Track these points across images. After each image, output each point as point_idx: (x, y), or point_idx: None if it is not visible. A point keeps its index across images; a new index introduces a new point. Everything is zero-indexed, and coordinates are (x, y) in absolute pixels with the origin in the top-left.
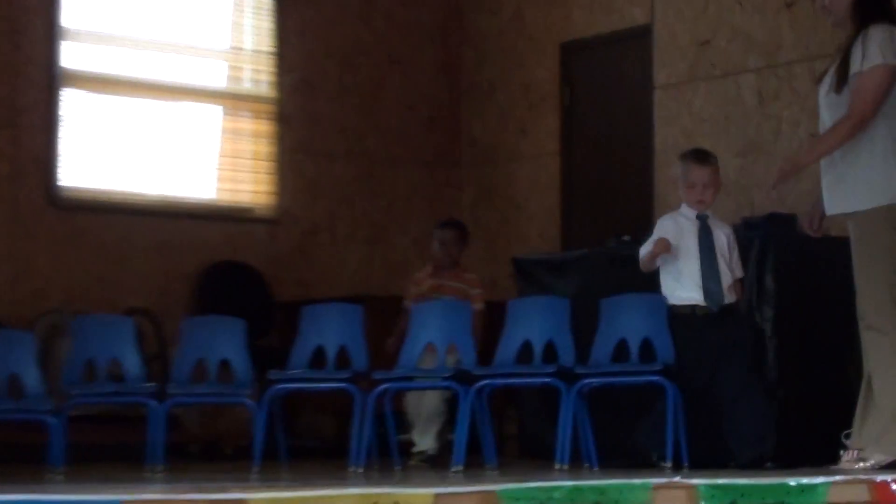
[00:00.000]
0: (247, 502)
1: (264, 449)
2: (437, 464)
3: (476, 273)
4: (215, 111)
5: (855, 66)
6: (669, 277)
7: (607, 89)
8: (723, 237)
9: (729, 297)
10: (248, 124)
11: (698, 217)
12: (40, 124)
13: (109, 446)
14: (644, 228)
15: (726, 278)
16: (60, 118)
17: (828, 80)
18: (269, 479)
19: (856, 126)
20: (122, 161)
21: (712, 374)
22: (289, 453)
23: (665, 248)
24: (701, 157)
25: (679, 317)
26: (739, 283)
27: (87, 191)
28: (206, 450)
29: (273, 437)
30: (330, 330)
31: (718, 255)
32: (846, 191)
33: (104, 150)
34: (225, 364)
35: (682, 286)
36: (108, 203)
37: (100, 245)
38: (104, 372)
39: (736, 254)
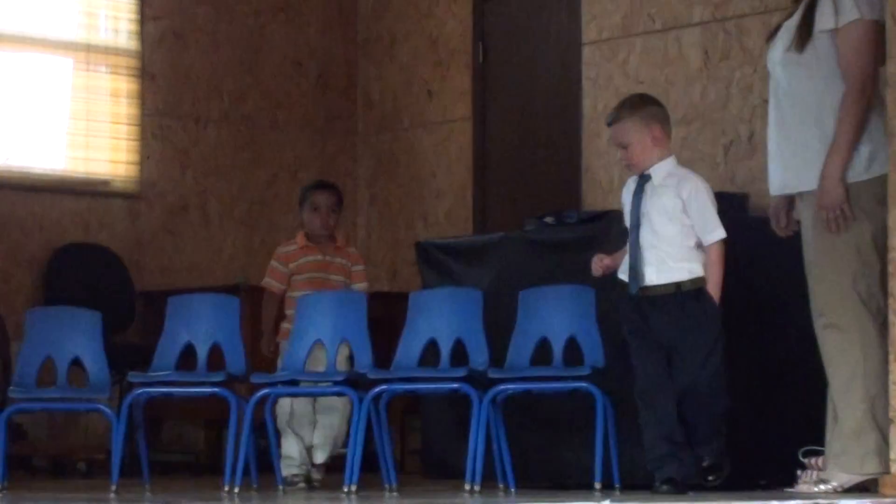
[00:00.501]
0: None
1: (123, 464)
2: (312, 482)
3: (361, 254)
4: (65, 64)
5: (825, 22)
6: None
7: (527, 45)
8: (673, 198)
9: (684, 271)
10: (104, 81)
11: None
12: None
13: None
14: (569, 207)
15: (675, 247)
16: None
17: (785, 36)
18: (130, 499)
19: (861, 94)
20: None
21: (658, 369)
22: (152, 469)
23: (601, 269)
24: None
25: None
26: (718, 249)
27: None
28: (55, 464)
29: (134, 449)
30: (201, 325)
31: (657, 222)
32: (799, 167)
33: None
34: (77, 364)
35: (623, 263)
36: None
37: None
38: None
39: (705, 213)
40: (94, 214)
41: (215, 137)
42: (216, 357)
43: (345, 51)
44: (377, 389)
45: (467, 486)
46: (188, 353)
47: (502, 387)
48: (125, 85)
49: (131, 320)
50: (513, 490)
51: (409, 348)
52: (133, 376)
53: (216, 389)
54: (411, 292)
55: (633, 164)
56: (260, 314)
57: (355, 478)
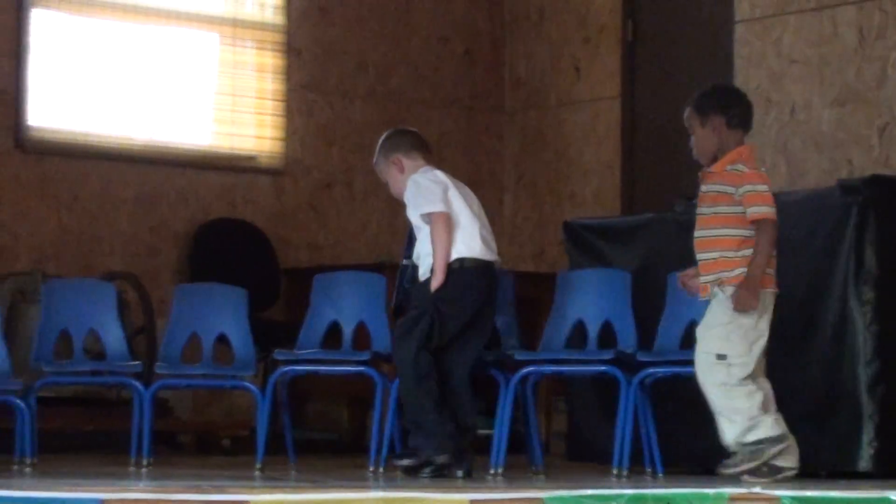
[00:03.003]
0: None
1: (268, 441)
2: None
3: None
4: (212, 40)
5: None
6: None
7: (678, 22)
8: None
9: None
10: (250, 56)
11: None
12: (5, 52)
13: (86, 434)
14: None
15: None
16: (29, 45)
17: None
18: (274, 477)
19: None
20: (102, 98)
21: None
22: (296, 447)
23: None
24: None
25: None
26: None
27: (61, 132)
28: (200, 441)
29: (278, 427)
30: (347, 303)
31: None
32: None
33: (80, 85)
34: (222, 340)
35: None
36: (85, 147)
37: (74, 197)
38: (80, 347)
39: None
40: (239, 190)
41: (361, 113)
42: (361, 336)
43: (491, 26)
44: (524, 371)
45: (614, 470)
46: (333, 332)
47: (651, 370)
48: (271, 60)
49: (276, 297)
50: (660, 474)
51: (556, 329)
52: (278, 354)
53: (361, 368)
54: (559, 272)
55: (397, 195)
56: None
57: (501, 460)
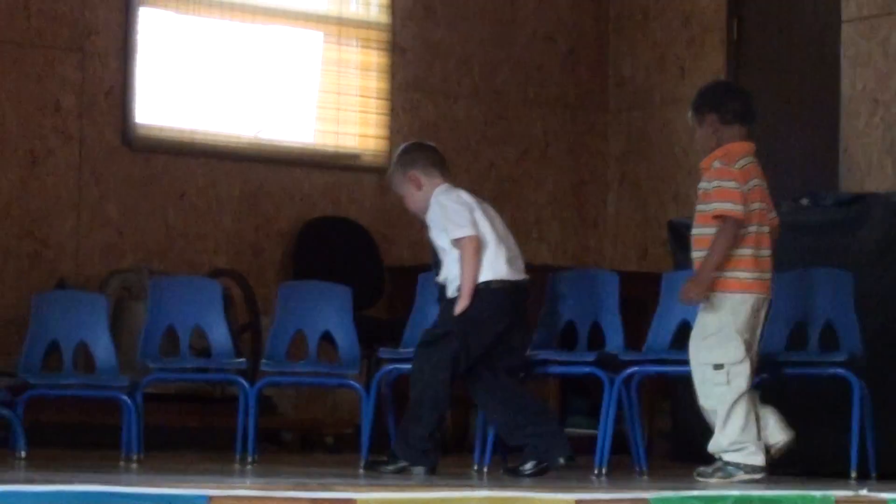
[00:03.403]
0: (355, 503)
1: (371, 439)
2: None
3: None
4: (316, 38)
5: None
6: None
7: (784, 22)
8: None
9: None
10: (355, 55)
11: None
12: (113, 50)
13: (190, 430)
14: (826, 189)
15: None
16: (136, 43)
17: None
18: (379, 476)
19: None
20: (208, 96)
21: None
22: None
23: None
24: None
25: None
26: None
27: (167, 130)
28: (304, 438)
29: (381, 425)
30: None
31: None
32: None
33: (187, 83)
34: (327, 338)
35: None
36: (191, 145)
37: (181, 194)
38: (186, 344)
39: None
40: (343, 188)
41: (465, 112)
42: None
43: (596, 26)
44: (628, 371)
45: None
46: None
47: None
48: (375, 59)
49: (379, 295)
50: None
51: (661, 330)
52: (384, 352)
53: None
54: (664, 273)
55: (412, 210)
56: None
57: (605, 460)
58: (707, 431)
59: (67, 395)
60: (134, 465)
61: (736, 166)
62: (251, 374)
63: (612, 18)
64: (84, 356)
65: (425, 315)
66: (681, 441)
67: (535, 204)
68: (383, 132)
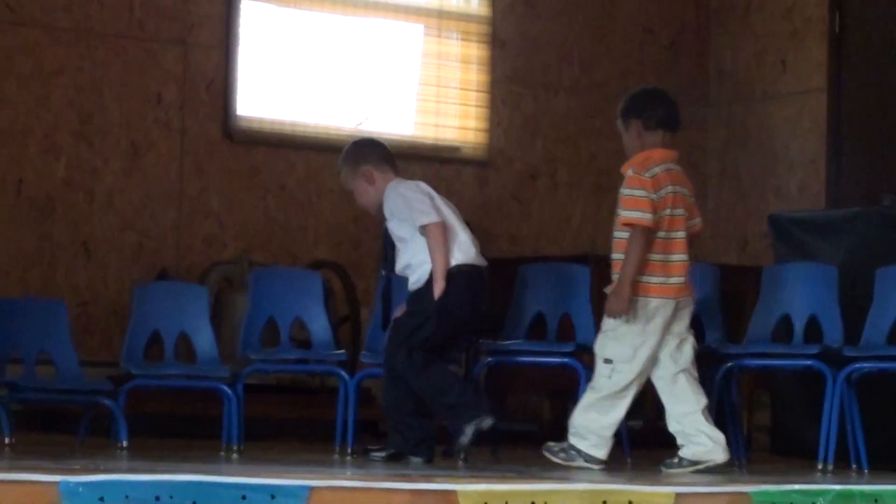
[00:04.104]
0: (455, 495)
1: None
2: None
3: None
4: (417, 31)
5: None
6: None
7: (886, 14)
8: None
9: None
10: (455, 48)
11: None
12: (215, 42)
13: (290, 421)
14: None
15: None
16: (238, 35)
17: None
18: (478, 468)
19: None
20: (309, 88)
21: None
22: (498, 437)
23: None
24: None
25: None
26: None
27: (268, 122)
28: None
29: None
30: (550, 295)
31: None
32: None
33: (288, 76)
34: None
35: None
36: (292, 137)
37: (281, 187)
38: (287, 335)
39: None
40: (443, 181)
41: (565, 105)
42: (565, 327)
43: (697, 18)
44: (729, 365)
45: (819, 465)
46: (537, 323)
47: (857, 365)
48: (475, 51)
49: None
50: (866, 471)
51: (762, 323)
52: (484, 344)
53: (566, 360)
54: (764, 266)
55: (364, 205)
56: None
57: None
58: (806, 425)
59: (169, 385)
60: (234, 456)
61: (648, 174)
62: (351, 365)
63: (713, 11)
64: (185, 347)
65: (525, 307)
66: (780, 435)
67: None
68: (483, 125)
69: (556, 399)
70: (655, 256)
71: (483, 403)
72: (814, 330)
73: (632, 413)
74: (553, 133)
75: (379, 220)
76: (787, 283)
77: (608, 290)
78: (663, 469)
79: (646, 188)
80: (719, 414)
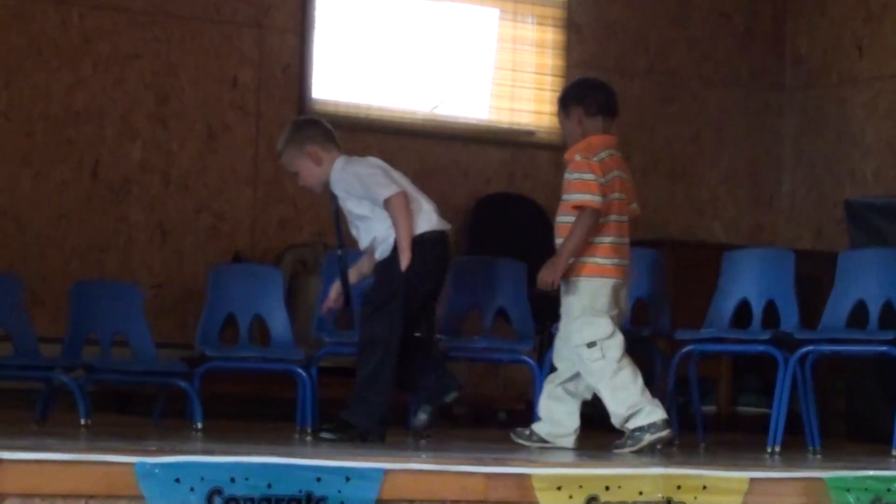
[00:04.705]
0: (530, 479)
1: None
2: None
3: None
4: (492, 15)
5: None
6: None
7: None
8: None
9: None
10: (530, 32)
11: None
12: (291, 25)
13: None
14: None
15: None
16: (314, 19)
17: None
18: (551, 451)
19: None
20: (383, 72)
21: None
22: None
23: None
24: None
25: None
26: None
27: (343, 106)
28: (475, 414)
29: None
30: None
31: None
32: None
33: (362, 59)
34: (501, 314)
35: None
36: (367, 121)
37: None
38: (360, 317)
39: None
40: (518, 165)
41: (640, 90)
42: (642, 312)
43: (773, 4)
44: (803, 350)
45: (894, 451)
46: None
47: None
48: (551, 36)
49: None
50: None
51: (836, 309)
52: (556, 328)
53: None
54: (840, 252)
55: (309, 186)
56: (682, 269)
57: (779, 438)
58: (881, 410)
59: (243, 367)
60: (308, 438)
61: (595, 158)
62: None
63: None
64: (259, 329)
65: None
66: (855, 420)
67: (710, 182)
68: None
69: None
70: (607, 239)
71: (447, 378)
72: (889, 316)
73: (707, 397)
74: (628, 118)
75: (327, 199)
76: (862, 268)
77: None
78: (615, 451)
79: (594, 172)
80: (793, 400)
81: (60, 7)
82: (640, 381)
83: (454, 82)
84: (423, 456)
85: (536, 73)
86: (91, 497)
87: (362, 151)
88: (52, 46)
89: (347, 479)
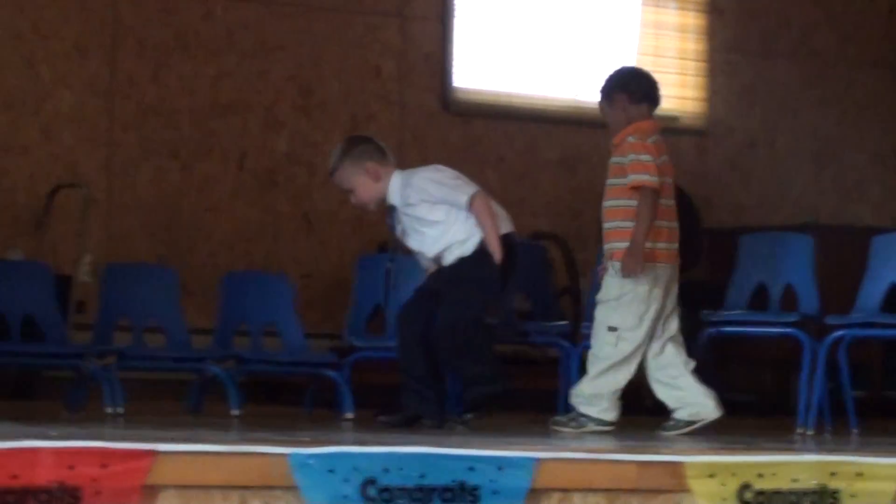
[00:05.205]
0: (682, 466)
1: None
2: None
3: None
4: (633, 1)
5: None
6: None
7: None
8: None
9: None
10: (672, 16)
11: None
12: (432, 14)
13: (515, 392)
14: None
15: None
16: (455, 7)
17: None
18: (703, 438)
19: None
20: (525, 60)
21: None
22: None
23: None
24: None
25: None
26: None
27: (486, 94)
28: (624, 400)
29: None
30: (773, 265)
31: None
32: None
33: (504, 47)
34: None
35: None
36: (510, 109)
37: (499, 158)
38: (510, 306)
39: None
40: None
41: (784, 73)
42: (789, 297)
43: None
44: None
45: None
46: (759, 293)
47: None
48: (693, 20)
49: (700, 258)
50: None
51: None
52: (706, 315)
53: (789, 330)
54: None
55: (363, 203)
56: (831, 254)
57: None
58: None
59: (392, 357)
60: (459, 428)
61: (650, 140)
62: (573, 336)
63: None
64: None
65: (747, 278)
66: None
67: (856, 165)
68: (702, 94)
69: (778, 370)
70: (663, 223)
71: (500, 371)
72: None
73: (857, 383)
74: (772, 101)
75: (385, 215)
76: None
77: (603, 267)
78: (662, 433)
79: (650, 153)
80: None
81: (205, 1)
82: (621, 381)
83: (597, 69)
84: (573, 445)
85: (679, 58)
86: (246, 488)
87: (505, 140)
88: (197, 40)
89: (500, 468)
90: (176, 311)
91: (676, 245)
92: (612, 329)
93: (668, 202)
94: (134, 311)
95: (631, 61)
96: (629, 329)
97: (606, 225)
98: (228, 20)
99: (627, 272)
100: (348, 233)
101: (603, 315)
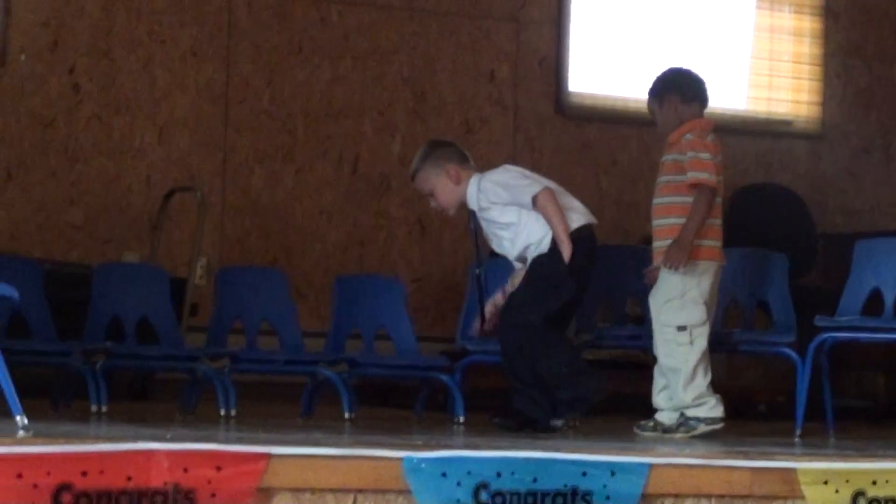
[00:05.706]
0: (795, 473)
1: (807, 408)
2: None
3: None
4: (748, 4)
5: None
6: None
7: None
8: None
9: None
10: (787, 20)
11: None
12: (547, 18)
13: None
14: None
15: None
16: (570, 12)
17: None
18: (815, 445)
19: None
20: (639, 63)
21: None
22: (834, 414)
23: None
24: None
25: None
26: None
27: (600, 98)
28: (735, 406)
29: (814, 394)
30: (888, 270)
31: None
32: None
33: (618, 50)
34: (762, 306)
35: None
36: (624, 113)
37: (613, 162)
38: (622, 311)
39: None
40: (775, 155)
41: None
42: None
43: None
44: None
45: None
46: (873, 299)
47: None
48: (808, 24)
49: (814, 263)
50: None
51: None
52: (820, 320)
53: None
54: None
55: (444, 206)
56: None
57: None
58: None
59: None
60: (569, 432)
61: (709, 139)
62: None
63: None
64: None
65: (861, 283)
66: None
67: None
68: (816, 98)
69: (892, 375)
70: (716, 222)
71: (583, 374)
72: None
73: None
74: (888, 105)
75: (466, 218)
76: None
77: (652, 267)
78: (665, 435)
79: (709, 150)
80: None
81: (320, 5)
82: (710, 375)
83: (711, 72)
84: (688, 451)
85: (794, 61)
86: (360, 491)
87: (620, 144)
88: (312, 44)
89: (612, 473)
90: (289, 315)
91: (721, 243)
92: (681, 329)
93: (718, 200)
94: (247, 314)
95: (745, 65)
96: (699, 324)
97: (658, 222)
98: (343, 24)
99: (668, 261)
100: (461, 236)
101: (668, 316)
